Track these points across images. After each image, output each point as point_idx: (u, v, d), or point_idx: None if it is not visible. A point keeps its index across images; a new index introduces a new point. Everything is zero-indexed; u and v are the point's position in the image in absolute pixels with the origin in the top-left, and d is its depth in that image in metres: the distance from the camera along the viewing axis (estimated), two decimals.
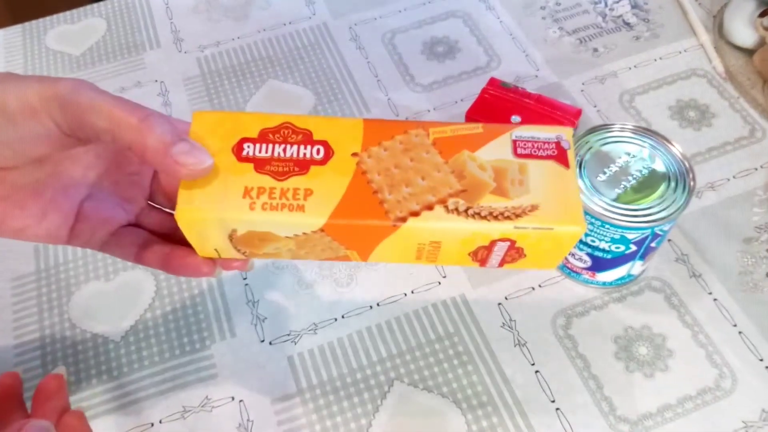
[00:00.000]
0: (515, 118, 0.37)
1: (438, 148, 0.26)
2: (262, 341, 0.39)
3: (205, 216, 0.24)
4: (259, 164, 0.25)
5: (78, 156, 0.25)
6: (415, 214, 0.24)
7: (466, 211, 0.25)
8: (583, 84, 0.50)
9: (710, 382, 0.37)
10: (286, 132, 0.26)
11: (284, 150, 0.25)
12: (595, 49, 0.52)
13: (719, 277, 0.40)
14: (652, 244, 0.36)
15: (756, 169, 0.45)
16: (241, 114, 0.26)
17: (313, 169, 0.25)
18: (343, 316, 0.40)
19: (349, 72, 0.52)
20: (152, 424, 0.37)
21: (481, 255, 0.26)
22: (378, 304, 0.40)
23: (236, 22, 0.56)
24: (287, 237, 0.25)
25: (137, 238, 0.27)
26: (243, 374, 0.38)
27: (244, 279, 0.42)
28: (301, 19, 0.56)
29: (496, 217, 0.25)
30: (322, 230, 0.24)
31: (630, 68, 0.51)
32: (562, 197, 0.25)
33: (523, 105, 0.38)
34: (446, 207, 0.25)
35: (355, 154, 0.25)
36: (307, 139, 0.25)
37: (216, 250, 0.27)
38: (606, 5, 0.55)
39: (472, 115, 0.38)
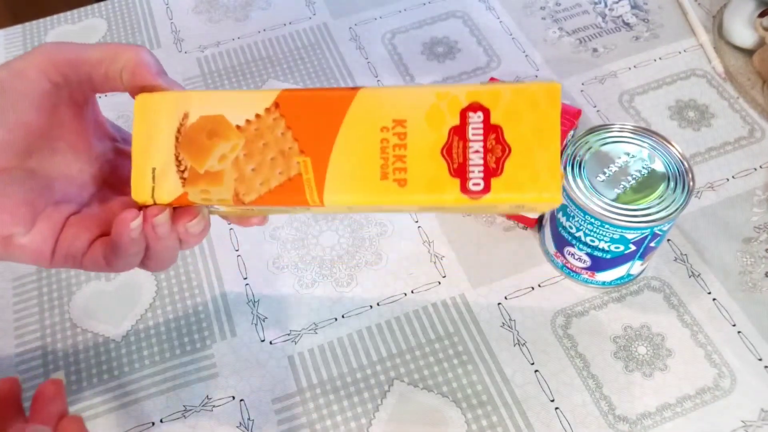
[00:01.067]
0: None
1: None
2: (263, 341, 0.39)
3: (164, 96, 0.24)
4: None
5: (73, 175, 0.26)
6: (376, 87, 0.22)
7: (430, 86, 0.22)
8: (582, 84, 0.50)
9: (709, 381, 0.37)
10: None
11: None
12: (595, 50, 0.52)
13: (718, 277, 0.40)
14: (652, 244, 0.36)
15: (755, 169, 0.45)
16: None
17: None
18: (343, 316, 0.40)
19: (349, 72, 0.52)
20: (153, 424, 0.37)
21: (456, 153, 0.22)
22: (378, 304, 0.41)
23: (236, 22, 0.56)
24: (238, 126, 0.23)
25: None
26: (243, 374, 0.38)
27: (245, 279, 0.42)
28: (302, 19, 0.56)
29: (481, 92, 0.22)
30: (276, 105, 0.23)
31: (629, 68, 0.51)
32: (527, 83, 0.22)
33: None
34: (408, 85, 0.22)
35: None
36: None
37: (153, 171, 0.24)
38: (606, 5, 0.55)
39: None
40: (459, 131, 0.22)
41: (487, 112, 0.21)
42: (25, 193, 0.24)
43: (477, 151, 0.22)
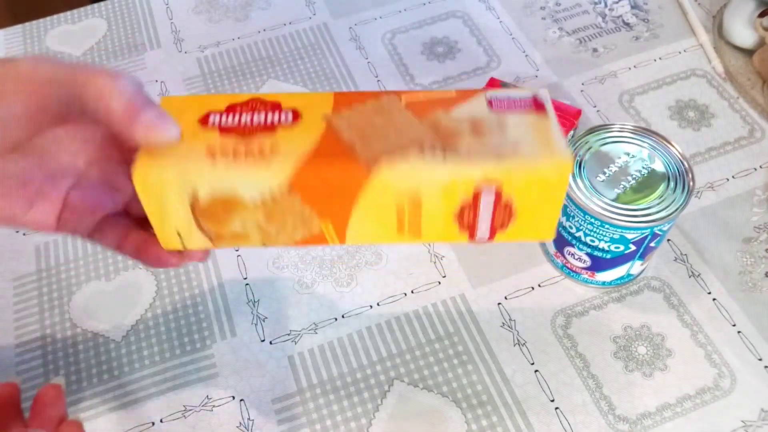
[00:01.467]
0: None
1: (411, 110, 0.24)
2: (263, 341, 0.39)
3: (164, 174, 0.22)
4: (225, 130, 0.23)
5: (64, 143, 0.25)
6: (391, 159, 0.22)
7: (443, 153, 0.22)
8: (582, 84, 0.50)
9: (709, 381, 0.37)
10: (254, 104, 0.24)
11: (251, 118, 0.23)
12: (595, 50, 0.52)
13: (718, 277, 0.40)
14: (652, 244, 0.36)
15: (755, 169, 0.45)
16: (209, 95, 0.25)
17: (281, 131, 0.23)
18: (343, 316, 0.40)
19: (349, 72, 0.52)
20: (153, 423, 0.37)
21: (467, 218, 0.24)
22: (378, 304, 0.41)
23: (236, 22, 0.56)
24: (254, 205, 0.23)
25: (121, 227, 0.27)
26: (243, 373, 0.38)
27: (245, 279, 0.42)
28: (302, 19, 0.56)
29: (476, 156, 0.22)
30: (290, 187, 0.22)
31: (630, 68, 0.51)
32: (544, 137, 0.23)
33: None
34: (422, 152, 0.22)
35: (325, 116, 0.24)
36: (276, 107, 0.24)
37: (178, 233, 0.25)
38: (606, 5, 0.55)
39: None
40: (472, 205, 0.23)
41: (499, 192, 0.23)
42: (20, 175, 0.23)
43: (486, 219, 0.24)
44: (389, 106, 0.24)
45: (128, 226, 0.27)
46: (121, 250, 0.27)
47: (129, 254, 0.27)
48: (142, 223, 0.27)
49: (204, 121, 0.24)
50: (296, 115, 0.24)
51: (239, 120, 0.23)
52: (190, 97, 0.25)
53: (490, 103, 0.24)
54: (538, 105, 0.24)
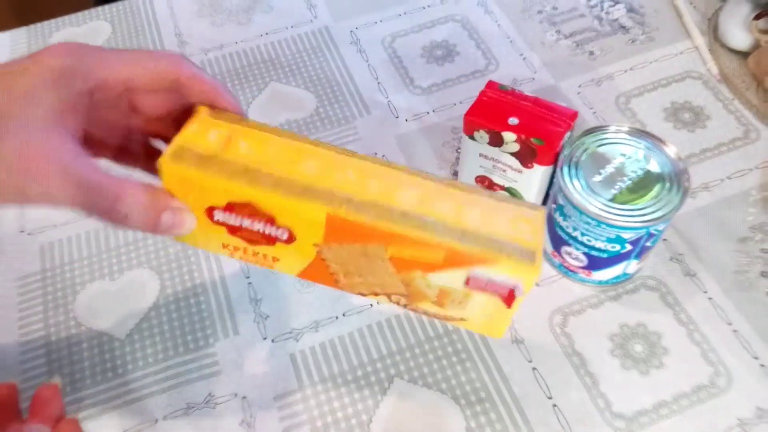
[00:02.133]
0: (513, 120, 0.38)
1: (393, 263, 0.26)
2: (265, 339, 0.40)
3: (194, 245, 0.28)
4: (231, 230, 0.27)
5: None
6: (363, 295, 0.28)
7: (405, 306, 0.28)
8: (579, 86, 0.51)
9: (705, 379, 0.37)
10: (251, 210, 0.26)
11: (252, 224, 0.26)
12: (591, 52, 0.53)
13: (714, 276, 0.41)
14: (648, 244, 0.37)
15: (750, 169, 0.46)
16: (204, 178, 0.25)
17: (279, 245, 0.27)
18: (344, 314, 0.41)
19: (350, 75, 0.53)
20: (156, 421, 0.37)
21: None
22: (378, 303, 0.41)
23: (239, 25, 0.57)
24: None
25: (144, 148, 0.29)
26: (246, 371, 0.39)
27: (247, 278, 0.43)
28: (303, 23, 0.57)
29: (429, 316, 0.28)
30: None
31: (626, 71, 0.52)
32: (493, 320, 0.27)
33: (520, 107, 0.39)
34: (389, 298, 0.28)
35: (316, 245, 0.26)
36: (271, 221, 0.26)
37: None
38: (602, 9, 0.56)
39: (470, 117, 0.39)
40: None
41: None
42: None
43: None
44: (374, 254, 0.26)
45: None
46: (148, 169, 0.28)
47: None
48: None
49: (209, 214, 0.26)
50: (290, 236, 0.26)
51: (241, 223, 0.26)
52: (188, 175, 0.25)
53: (468, 280, 0.26)
54: (510, 295, 0.26)
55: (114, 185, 0.23)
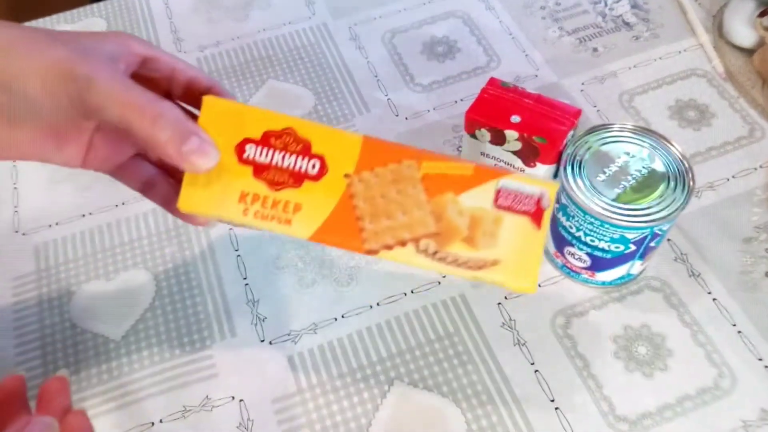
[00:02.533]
0: (515, 118, 0.38)
1: (425, 185, 0.27)
2: (263, 341, 0.39)
3: (204, 212, 0.27)
4: (258, 169, 0.27)
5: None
6: (389, 247, 0.27)
7: (434, 254, 0.27)
8: (582, 84, 0.50)
9: (709, 381, 0.37)
10: (287, 138, 0.27)
11: (283, 158, 0.27)
12: (595, 49, 0.52)
13: (718, 277, 0.40)
14: (652, 244, 0.36)
15: (755, 168, 0.45)
16: (248, 109, 0.27)
17: (306, 184, 0.27)
18: (343, 316, 0.40)
19: (349, 72, 0.52)
20: (152, 424, 0.37)
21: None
22: (378, 304, 0.41)
23: (236, 22, 0.56)
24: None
25: (143, 172, 0.30)
26: (243, 374, 0.38)
27: (245, 279, 0.42)
28: (301, 19, 0.56)
29: (459, 265, 0.27)
30: (307, 240, 0.27)
31: (629, 68, 0.51)
32: (525, 257, 0.27)
33: (522, 105, 0.38)
34: (417, 246, 0.27)
35: (347, 176, 0.27)
36: (306, 150, 0.27)
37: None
38: (606, 5, 0.55)
39: (471, 115, 0.38)
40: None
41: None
42: (52, 128, 0.26)
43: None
44: (407, 175, 0.27)
45: (152, 174, 0.30)
46: (146, 196, 0.30)
47: (156, 202, 0.30)
48: (163, 167, 0.31)
49: (240, 150, 0.27)
50: (322, 167, 0.27)
51: (272, 158, 0.27)
52: (230, 107, 0.27)
53: (497, 193, 0.27)
54: (538, 210, 0.27)
55: (155, 98, 0.25)
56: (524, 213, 0.27)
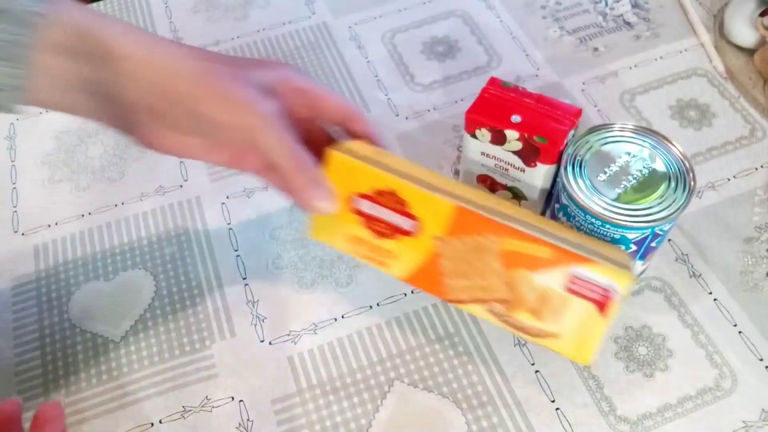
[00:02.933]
0: (515, 118, 0.37)
1: (503, 259, 0.30)
2: (262, 341, 0.39)
3: (324, 242, 0.34)
4: (365, 219, 0.32)
5: None
6: (462, 302, 0.31)
7: (501, 316, 0.31)
8: (583, 83, 0.50)
9: (710, 382, 0.37)
10: (389, 198, 0.31)
11: (386, 214, 0.32)
12: (596, 49, 0.52)
13: (719, 277, 0.40)
14: (653, 244, 0.36)
15: (756, 168, 0.45)
16: (361, 165, 0.31)
17: (404, 238, 0.32)
18: (343, 316, 0.40)
19: (349, 71, 0.52)
20: (152, 424, 0.37)
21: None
22: (378, 304, 0.40)
23: (236, 21, 0.56)
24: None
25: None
26: (243, 374, 0.38)
27: (244, 279, 0.42)
28: (301, 18, 0.56)
29: (520, 329, 0.31)
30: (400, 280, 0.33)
31: (630, 68, 0.51)
32: (585, 337, 0.30)
33: (523, 105, 0.38)
34: (488, 308, 0.31)
35: (438, 238, 0.31)
36: (405, 209, 0.31)
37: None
38: (606, 5, 0.55)
39: (472, 115, 0.38)
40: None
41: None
42: (224, 143, 0.31)
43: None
44: (488, 247, 0.30)
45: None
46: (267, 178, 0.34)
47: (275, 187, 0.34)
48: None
49: (352, 200, 0.32)
50: (418, 226, 0.31)
51: (377, 213, 0.32)
52: (347, 162, 0.32)
53: (570, 279, 0.29)
54: (605, 299, 0.29)
55: (302, 149, 0.30)
56: (591, 300, 0.29)
